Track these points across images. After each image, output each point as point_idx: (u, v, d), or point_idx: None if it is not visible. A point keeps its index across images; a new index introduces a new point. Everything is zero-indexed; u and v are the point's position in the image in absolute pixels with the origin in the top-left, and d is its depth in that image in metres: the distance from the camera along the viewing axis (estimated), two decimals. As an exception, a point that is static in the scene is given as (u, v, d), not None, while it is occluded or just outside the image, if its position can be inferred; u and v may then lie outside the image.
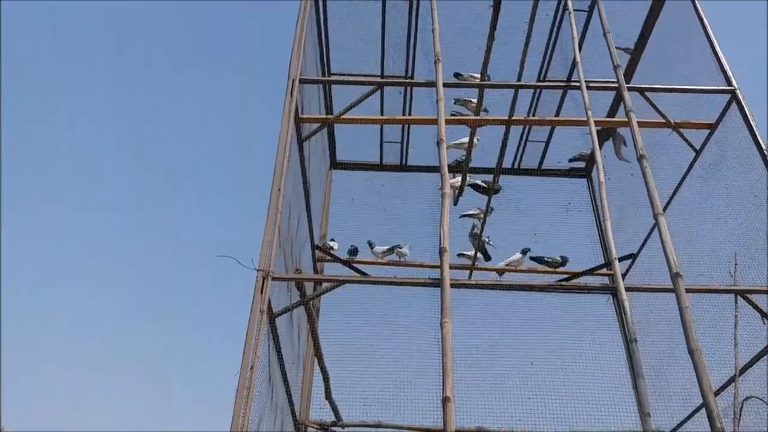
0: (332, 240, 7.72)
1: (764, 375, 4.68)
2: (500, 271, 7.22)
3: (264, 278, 4.27)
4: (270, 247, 4.44)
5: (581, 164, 8.59)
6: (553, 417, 6.44)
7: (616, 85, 5.51)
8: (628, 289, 4.14)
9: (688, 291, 4.58)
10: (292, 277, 4.72)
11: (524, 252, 7.29)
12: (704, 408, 4.99)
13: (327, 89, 7.71)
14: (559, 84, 6.36)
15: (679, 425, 6.04)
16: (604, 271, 7.64)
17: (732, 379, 4.59)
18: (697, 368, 3.43)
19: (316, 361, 6.76)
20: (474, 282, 4.69)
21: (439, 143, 4.88)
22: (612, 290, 7.54)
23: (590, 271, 7.48)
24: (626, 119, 5.52)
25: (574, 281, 6.92)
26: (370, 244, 7.51)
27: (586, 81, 6.02)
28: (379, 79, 6.61)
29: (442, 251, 4.33)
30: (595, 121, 5.03)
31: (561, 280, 7.09)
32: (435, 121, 5.91)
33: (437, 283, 4.31)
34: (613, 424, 6.59)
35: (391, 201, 8.37)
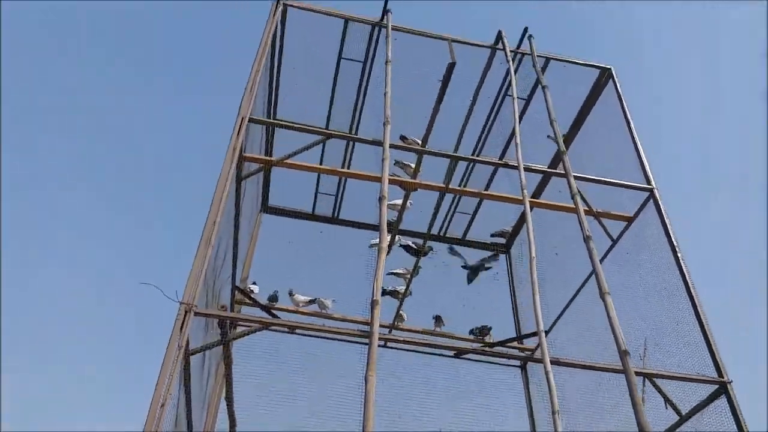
0: (254, 283, 7.53)
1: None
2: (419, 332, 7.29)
3: (186, 312, 4.10)
4: (196, 281, 4.29)
5: (502, 240, 8.95)
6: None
7: (550, 169, 5.88)
8: (555, 363, 4.28)
9: (598, 369, 4.83)
10: (217, 314, 4.56)
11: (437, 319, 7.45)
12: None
13: (269, 131, 7.73)
14: (495, 162, 6.70)
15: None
16: (515, 344, 7.92)
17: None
18: None
19: (222, 405, 6.50)
20: (402, 339, 4.70)
21: (380, 200, 4.98)
22: (523, 362, 7.81)
23: (503, 343, 7.70)
24: (544, 202, 5.90)
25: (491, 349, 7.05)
26: (290, 292, 7.39)
27: (507, 161, 6.43)
28: (324, 130, 6.69)
29: (374, 304, 4.35)
30: (536, 202, 5.29)
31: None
32: (378, 179, 6.06)
33: (366, 335, 4.29)
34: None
35: (319, 252, 8.35)
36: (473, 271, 8.13)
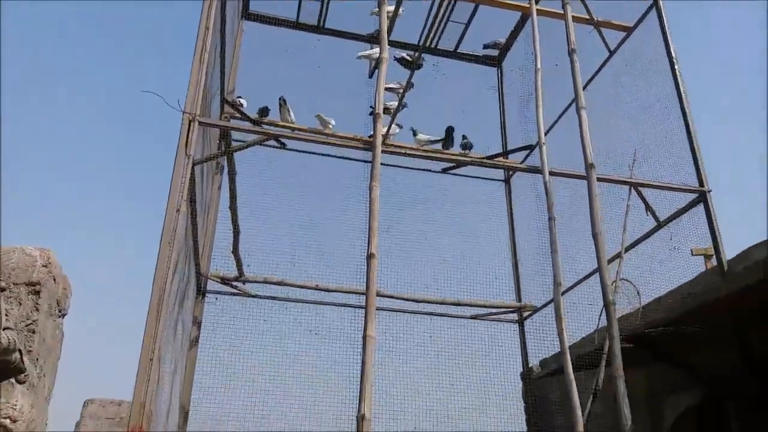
0: (240, 97, 7.35)
1: (638, 259, 5.35)
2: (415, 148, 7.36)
3: (190, 121, 4.06)
4: (197, 90, 4.19)
5: (494, 52, 8.74)
6: (441, 285, 7.03)
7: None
8: (551, 173, 4.44)
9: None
10: (221, 125, 4.54)
11: (449, 134, 7.40)
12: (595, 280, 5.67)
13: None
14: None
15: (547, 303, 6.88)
16: (501, 159, 8.13)
17: (617, 256, 5.22)
18: (599, 250, 3.85)
19: (218, 216, 6.74)
20: (404, 151, 4.78)
21: (380, 4, 4.73)
22: (507, 175, 8.13)
23: (491, 157, 7.87)
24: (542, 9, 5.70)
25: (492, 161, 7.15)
26: (282, 102, 7.15)
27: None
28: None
29: (376, 116, 4.35)
30: (537, 11, 5.08)
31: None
32: (371, -18, 5.70)
33: (368, 146, 4.35)
34: (491, 293, 7.35)
35: (303, 64, 8.07)
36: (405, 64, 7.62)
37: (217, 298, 6.06)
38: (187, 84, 4.17)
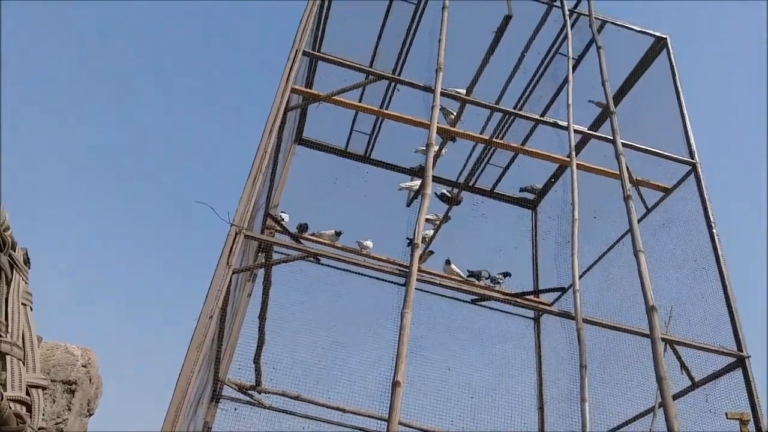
0: (283, 212, 7.68)
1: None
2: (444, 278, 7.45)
3: (237, 233, 4.26)
4: (247, 205, 4.43)
5: (530, 196, 9.02)
6: (463, 418, 6.76)
7: (598, 133, 5.89)
8: (587, 322, 4.43)
9: (627, 331, 4.99)
10: (266, 239, 4.72)
11: (491, 279, 7.54)
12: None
13: (312, 65, 7.70)
14: (544, 120, 6.63)
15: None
16: (532, 297, 8.11)
17: (650, 411, 5.04)
18: (663, 394, 3.73)
19: (243, 324, 6.78)
20: (438, 282, 4.86)
21: (428, 147, 5.04)
22: (537, 314, 8.07)
23: (521, 295, 7.87)
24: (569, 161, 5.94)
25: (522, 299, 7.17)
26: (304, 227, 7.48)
27: (556, 120, 6.41)
28: (372, 69, 6.67)
29: (414, 246, 4.49)
30: (577, 165, 5.33)
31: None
32: (421, 124, 6.13)
33: (403, 273, 4.45)
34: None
35: (347, 189, 8.44)
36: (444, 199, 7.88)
37: (236, 409, 5.95)
38: (239, 199, 4.42)
